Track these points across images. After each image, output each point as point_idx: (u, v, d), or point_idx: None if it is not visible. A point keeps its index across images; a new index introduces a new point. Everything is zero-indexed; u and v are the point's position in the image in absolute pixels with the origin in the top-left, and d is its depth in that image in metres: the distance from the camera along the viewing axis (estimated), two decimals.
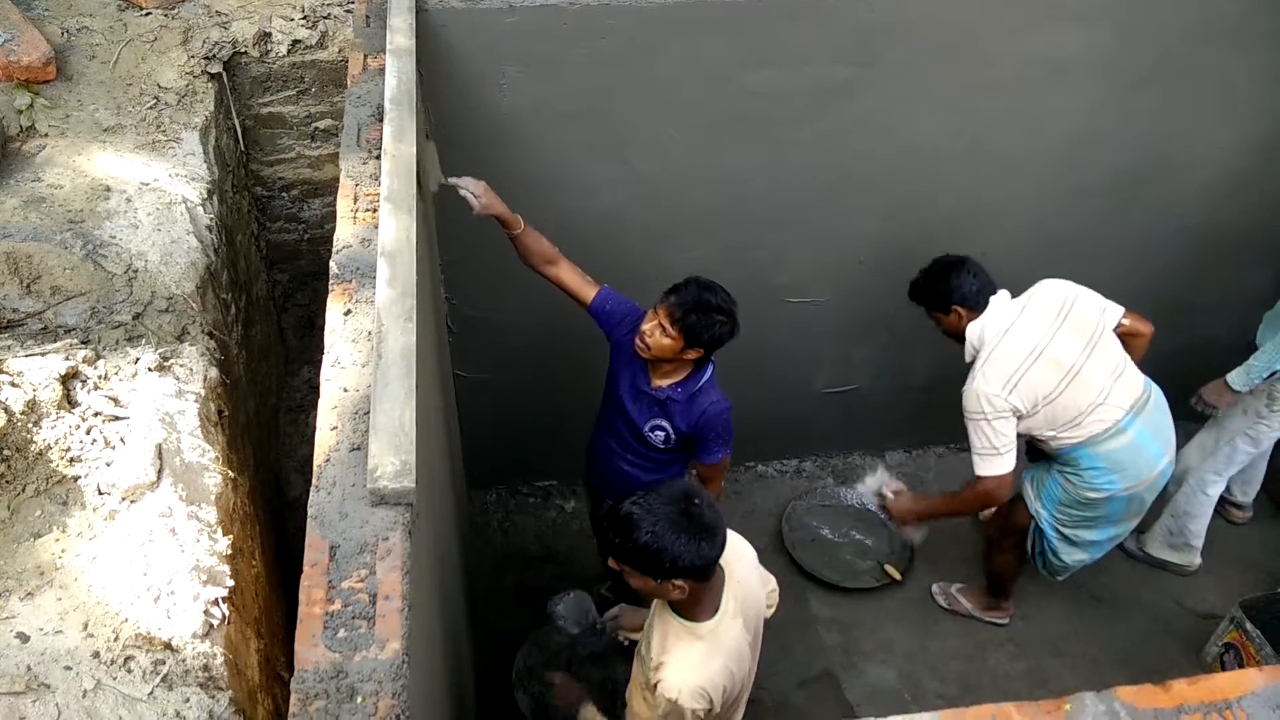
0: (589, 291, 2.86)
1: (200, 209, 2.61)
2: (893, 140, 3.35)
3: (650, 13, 2.94)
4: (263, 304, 3.24)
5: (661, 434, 2.85)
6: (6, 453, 1.77)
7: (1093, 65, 3.27)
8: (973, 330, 3.12)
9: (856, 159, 3.35)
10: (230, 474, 2.01)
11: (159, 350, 2.15)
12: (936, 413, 4.34)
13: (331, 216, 3.50)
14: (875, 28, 3.05)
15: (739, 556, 2.20)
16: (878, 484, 3.48)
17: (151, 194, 2.56)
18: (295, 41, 3.18)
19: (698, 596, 2.04)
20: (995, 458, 3.04)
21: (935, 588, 4.03)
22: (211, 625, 1.66)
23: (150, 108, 2.86)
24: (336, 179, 3.43)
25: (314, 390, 3.64)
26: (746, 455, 4.35)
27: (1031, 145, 3.45)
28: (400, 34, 2.77)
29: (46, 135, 2.67)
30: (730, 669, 2.08)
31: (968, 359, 3.16)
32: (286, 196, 3.39)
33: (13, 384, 1.87)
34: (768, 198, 3.38)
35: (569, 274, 2.86)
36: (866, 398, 4.22)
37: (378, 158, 2.44)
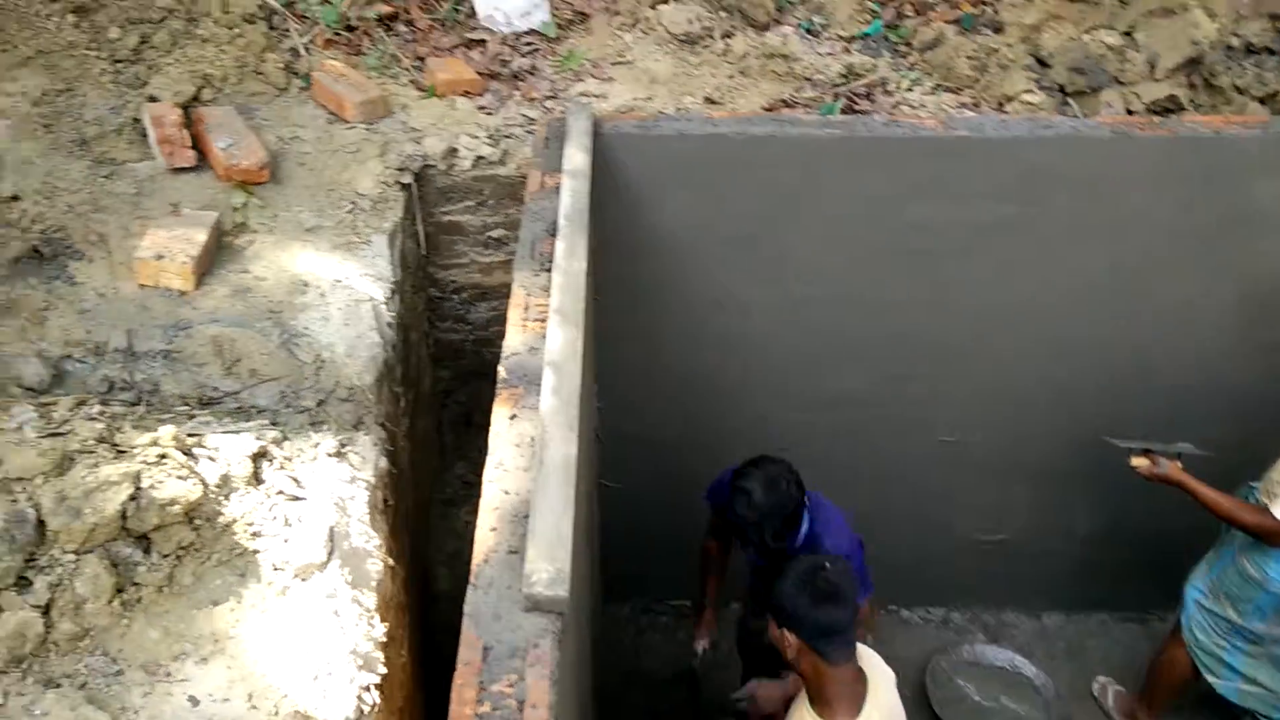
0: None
1: (384, 307, 2.81)
2: (1056, 281, 3.28)
3: (814, 145, 3.03)
4: (427, 399, 3.42)
5: None
6: (198, 522, 1.91)
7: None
8: None
9: (1018, 297, 3.29)
10: (390, 562, 2.10)
11: (338, 437, 2.30)
12: (1102, 574, 4.06)
13: (496, 320, 3.71)
14: (1040, 169, 3.04)
15: (882, 676, 2.20)
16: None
17: (343, 291, 2.78)
18: (479, 157, 3.42)
19: (826, 682, 2.06)
20: None
21: (1099, 679, 3.95)
22: (362, 711, 1.72)
23: (348, 211, 3.12)
24: (504, 285, 3.63)
25: (467, 485, 3.80)
26: (889, 597, 4.16)
27: (1207, 295, 3.31)
28: (577, 156, 2.95)
29: (256, 232, 2.95)
30: None
31: None
32: (457, 299, 3.60)
33: (210, 458, 2.04)
34: (925, 331, 3.35)
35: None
36: (1022, 550, 3.99)
37: (549, 271, 2.57)
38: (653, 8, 3.87)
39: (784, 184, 3.10)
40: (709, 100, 3.52)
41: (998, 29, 3.82)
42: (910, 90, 3.62)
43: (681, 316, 3.00)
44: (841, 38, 3.82)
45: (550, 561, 1.68)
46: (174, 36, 3.48)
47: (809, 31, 3.82)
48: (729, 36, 3.76)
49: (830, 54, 3.73)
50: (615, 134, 3.09)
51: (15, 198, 2.76)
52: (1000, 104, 3.52)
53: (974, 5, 3.90)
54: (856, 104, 3.52)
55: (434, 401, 3.61)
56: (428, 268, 3.54)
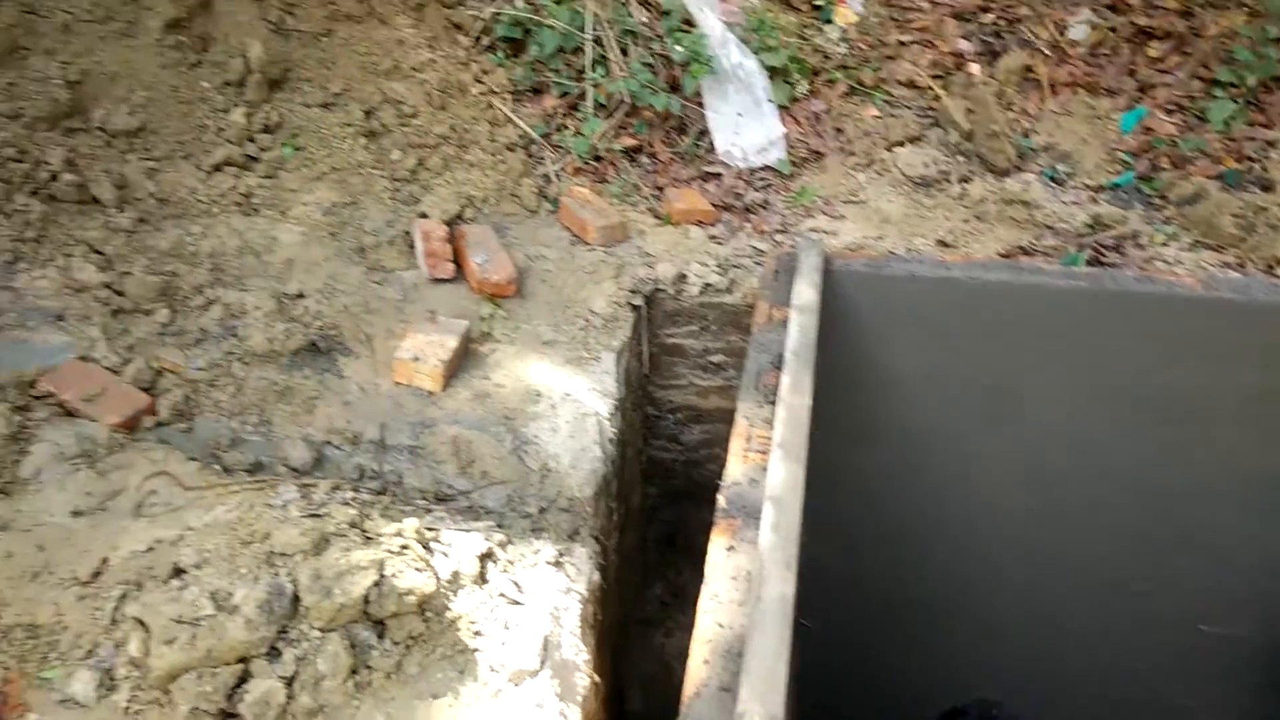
0: None
1: (607, 422, 2.91)
2: None
3: (1055, 295, 2.93)
4: (635, 515, 3.48)
5: None
6: (428, 614, 2.01)
7: None
8: None
9: None
10: (596, 679, 2.11)
11: (556, 546, 2.38)
12: None
13: (708, 442, 3.76)
14: None
15: None
16: None
17: (571, 404, 2.91)
18: (707, 285, 3.54)
19: None
20: None
21: None
22: None
23: (581, 328, 3.30)
24: (719, 409, 3.70)
25: (664, 606, 3.80)
26: None
27: None
28: (806, 292, 2.99)
29: (499, 342, 3.16)
30: None
31: None
32: (671, 419, 3.68)
33: (444, 554, 2.16)
34: (1174, 502, 3.10)
35: None
36: None
37: (773, 403, 2.59)
38: (889, 150, 3.93)
39: (1020, 333, 3.00)
40: (942, 243, 3.50)
41: (1266, 187, 3.59)
42: (1165, 245, 3.45)
43: (901, 458, 2.93)
44: (1088, 187, 3.72)
45: (763, 704, 1.64)
46: (446, 160, 3.87)
47: (1052, 179, 3.75)
48: (966, 181, 3.75)
49: (1075, 203, 3.63)
50: (844, 271, 3.12)
51: (301, 295, 3.11)
52: (1270, 266, 3.29)
53: (1239, 161, 3.70)
54: (1104, 256, 3.38)
55: (640, 518, 3.66)
56: (647, 386, 3.65)
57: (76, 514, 2.18)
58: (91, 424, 2.42)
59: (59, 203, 3.20)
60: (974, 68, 4.09)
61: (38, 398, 2.49)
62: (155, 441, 2.47)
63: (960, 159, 3.85)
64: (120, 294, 2.92)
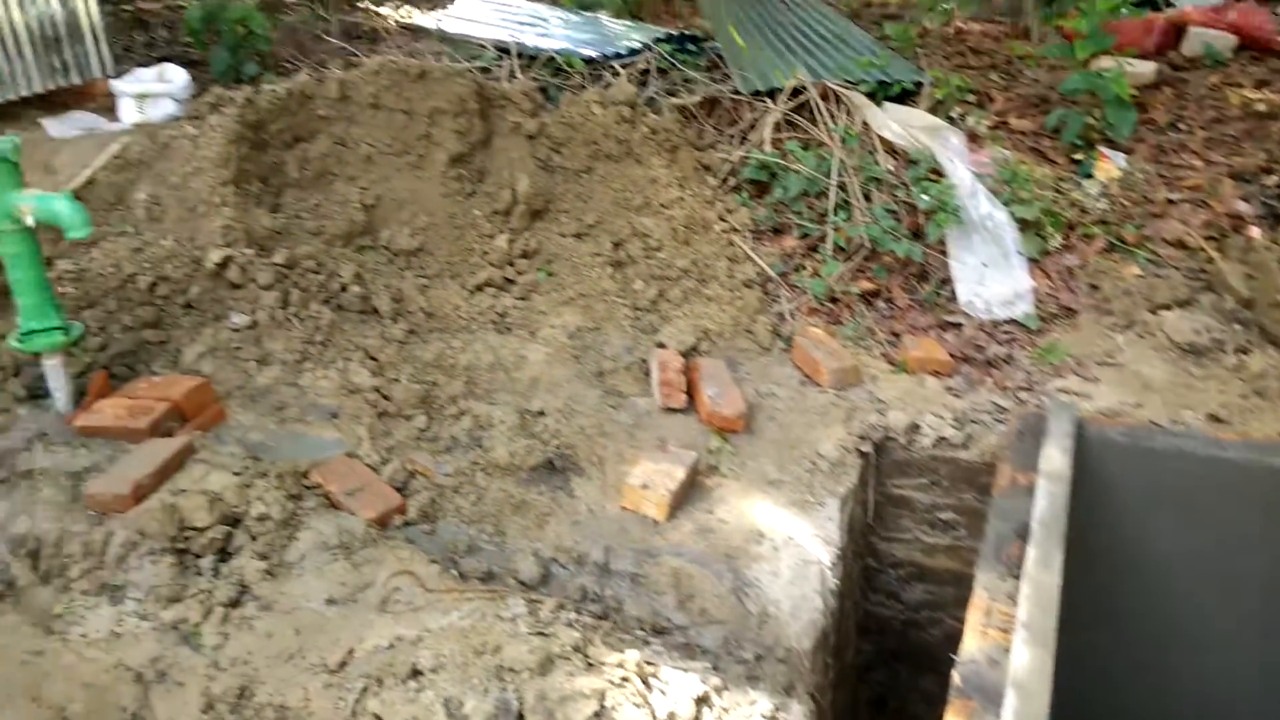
0: None
1: (829, 571, 2.82)
2: None
3: None
4: (847, 672, 3.31)
5: None
6: None
7: None
8: None
9: None
10: None
11: (772, 699, 2.29)
12: None
13: (930, 603, 3.55)
14: None
15: None
16: None
17: (793, 548, 2.84)
18: (941, 438, 3.40)
19: None
20: None
21: None
22: None
23: (807, 470, 3.25)
24: (946, 570, 3.50)
25: None
26: None
27: None
28: (1056, 457, 2.81)
29: (725, 476, 3.16)
30: None
31: None
32: (893, 574, 3.51)
33: (661, 691, 2.13)
34: None
35: None
36: None
37: (1016, 576, 2.42)
38: (1153, 312, 3.68)
39: None
40: (1214, 417, 3.20)
41: None
42: None
43: (1152, 650, 2.64)
44: None
45: None
46: (685, 294, 4.01)
47: None
48: (1244, 352, 3.44)
49: None
50: (1100, 438, 2.92)
51: (542, 413, 3.27)
52: None
53: None
54: None
55: (852, 676, 3.47)
56: (870, 537, 3.51)
57: (330, 602, 2.35)
58: (351, 517, 2.62)
59: (345, 311, 3.57)
60: (1254, 231, 3.80)
61: (308, 488, 2.73)
62: (403, 540, 2.64)
63: (1237, 327, 3.54)
64: (387, 398, 3.19)
